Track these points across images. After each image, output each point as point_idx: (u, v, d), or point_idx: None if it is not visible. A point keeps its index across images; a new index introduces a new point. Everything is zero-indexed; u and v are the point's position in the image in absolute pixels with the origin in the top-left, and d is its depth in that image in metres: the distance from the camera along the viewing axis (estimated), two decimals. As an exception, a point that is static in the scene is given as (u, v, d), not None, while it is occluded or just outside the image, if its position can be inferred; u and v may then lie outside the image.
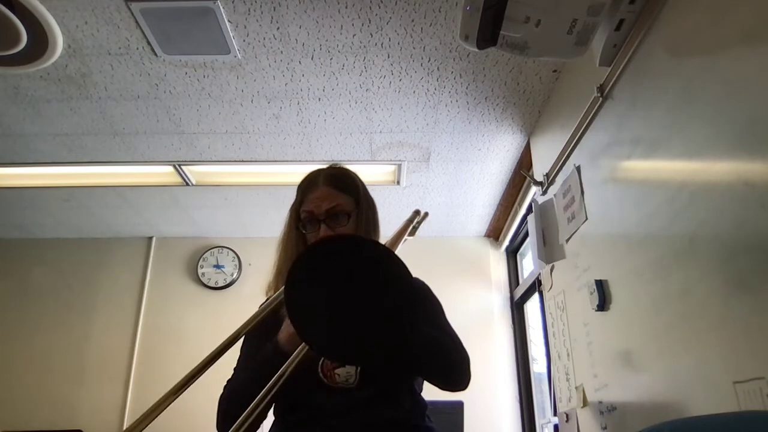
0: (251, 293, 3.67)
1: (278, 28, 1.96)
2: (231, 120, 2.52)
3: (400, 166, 2.95)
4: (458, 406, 2.33)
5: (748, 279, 1.06)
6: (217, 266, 3.83)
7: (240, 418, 0.74)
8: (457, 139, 2.70)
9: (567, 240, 2.05)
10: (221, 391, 1.11)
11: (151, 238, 3.94)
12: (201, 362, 0.69)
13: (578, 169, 1.96)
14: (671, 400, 1.34)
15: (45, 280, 3.82)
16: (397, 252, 0.96)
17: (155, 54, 2.08)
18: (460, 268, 3.78)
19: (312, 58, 2.12)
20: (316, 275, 0.72)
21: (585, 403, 1.89)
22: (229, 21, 1.92)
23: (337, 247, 0.74)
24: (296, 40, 2.02)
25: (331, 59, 2.13)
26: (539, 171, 2.44)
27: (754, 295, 1.04)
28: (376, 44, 2.05)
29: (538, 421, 3.29)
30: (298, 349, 0.90)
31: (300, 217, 1.18)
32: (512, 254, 3.83)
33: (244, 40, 2.02)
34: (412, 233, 1.26)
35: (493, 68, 2.18)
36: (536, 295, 3.02)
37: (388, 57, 2.12)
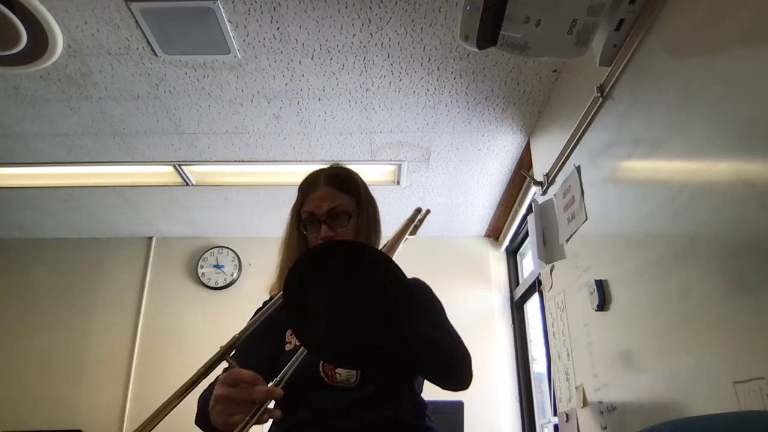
0: (251, 293, 3.68)
1: (278, 28, 1.96)
2: (231, 120, 2.52)
3: (400, 166, 2.95)
4: (458, 406, 2.33)
5: (748, 279, 1.06)
6: (217, 266, 3.83)
7: (237, 428, 0.73)
8: (457, 139, 2.70)
9: (567, 240, 2.05)
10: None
11: (151, 238, 3.94)
12: (203, 366, 0.69)
13: (578, 169, 1.96)
14: (671, 400, 1.34)
15: (45, 280, 3.82)
16: (398, 250, 0.96)
17: (155, 54, 2.08)
18: (460, 268, 3.78)
19: (312, 58, 2.12)
20: (313, 280, 0.72)
21: (585, 403, 1.89)
22: (229, 21, 1.92)
23: (337, 252, 0.74)
24: (296, 40, 2.02)
25: (331, 59, 2.13)
26: (539, 171, 2.44)
27: (754, 295, 1.04)
28: (376, 44, 2.05)
29: (538, 421, 3.29)
30: (298, 353, 0.90)
31: (301, 218, 1.18)
32: (512, 254, 3.83)
33: (244, 40, 2.02)
34: (413, 232, 1.26)
35: (493, 68, 2.18)
36: (536, 295, 3.02)
37: (388, 57, 2.12)
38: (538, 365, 3.41)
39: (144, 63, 2.14)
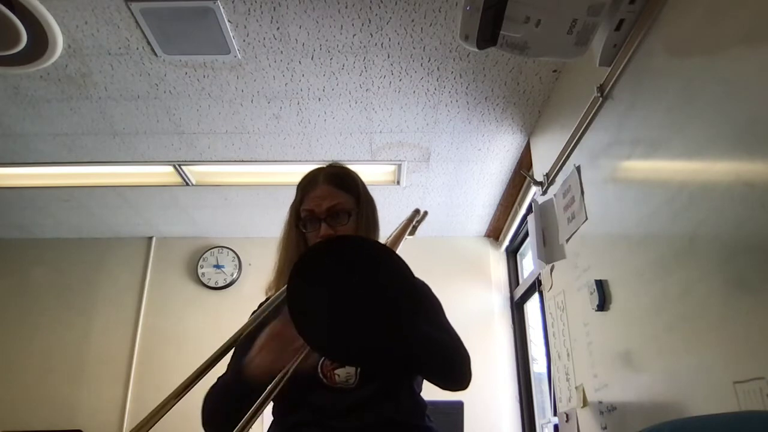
0: (251, 293, 3.67)
1: (278, 28, 1.96)
2: (231, 120, 2.52)
3: (400, 166, 2.95)
4: (458, 406, 2.33)
5: (748, 279, 1.06)
6: (217, 266, 3.83)
7: (237, 427, 0.73)
8: (457, 139, 2.70)
9: (567, 240, 2.05)
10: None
11: (151, 238, 3.94)
12: (202, 365, 0.69)
13: (578, 169, 1.96)
14: (671, 400, 1.34)
15: (45, 280, 3.82)
16: (397, 251, 0.96)
17: (155, 54, 2.08)
18: (460, 268, 3.78)
19: (312, 58, 2.12)
20: (317, 276, 0.71)
21: (585, 403, 1.89)
22: (229, 21, 1.92)
23: (339, 248, 0.74)
24: (296, 40, 2.02)
25: (331, 59, 2.13)
26: (539, 171, 2.44)
27: (754, 295, 1.04)
28: (376, 44, 2.05)
29: (538, 421, 3.29)
30: (299, 353, 0.90)
31: (300, 216, 1.18)
32: (512, 254, 3.83)
33: (244, 40, 2.02)
34: (412, 232, 1.26)
35: (493, 68, 2.18)
36: (536, 295, 3.02)
37: (388, 57, 2.12)
38: (538, 365, 3.41)
39: (144, 63, 2.14)
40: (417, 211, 1.31)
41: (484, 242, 3.91)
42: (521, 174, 2.83)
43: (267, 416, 1.15)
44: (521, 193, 3.12)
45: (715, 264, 1.16)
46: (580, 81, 1.97)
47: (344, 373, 1.08)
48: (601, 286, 1.74)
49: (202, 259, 3.85)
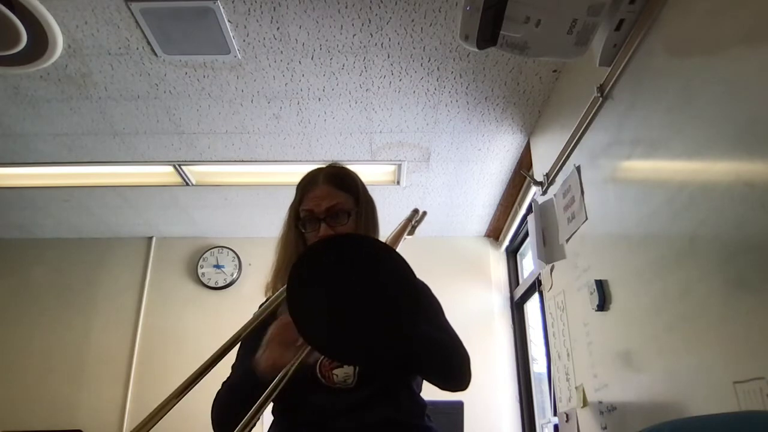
0: (251, 293, 3.67)
1: (278, 28, 1.96)
2: (231, 120, 2.52)
3: (400, 166, 2.95)
4: (458, 406, 2.33)
5: (748, 279, 1.06)
6: (217, 266, 3.83)
7: (239, 427, 0.73)
8: (457, 139, 2.70)
9: (567, 240, 2.05)
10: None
11: (151, 238, 3.94)
12: (202, 365, 0.69)
13: (578, 169, 1.96)
14: (671, 400, 1.34)
15: (45, 279, 3.82)
16: (398, 249, 0.96)
17: (155, 54, 2.08)
18: (460, 268, 3.78)
19: (312, 58, 2.12)
20: (318, 275, 0.71)
21: (585, 403, 1.89)
22: (229, 21, 1.92)
23: (340, 246, 0.74)
24: (296, 40, 2.02)
25: (331, 59, 2.13)
26: (539, 171, 2.44)
27: (754, 295, 1.04)
28: (376, 44, 2.05)
29: (538, 421, 3.29)
30: (300, 352, 0.90)
31: (299, 216, 1.18)
32: (512, 254, 3.83)
33: (244, 40, 2.02)
34: (411, 232, 1.26)
35: (493, 68, 2.18)
36: (536, 295, 3.02)
37: (388, 57, 2.12)
38: (538, 365, 3.41)
39: (144, 63, 2.14)
40: (416, 211, 1.31)
41: (484, 242, 3.91)
42: (521, 174, 2.83)
43: (267, 417, 1.15)
44: (521, 193, 3.12)
45: (715, 264, 1.16)
46: (580, 81, 1.97)
47: (342, 374, 1.08)
48: (601, 286, 1.74)
49: (202, 259, 3.85)
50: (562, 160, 2.13)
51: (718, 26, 1.18)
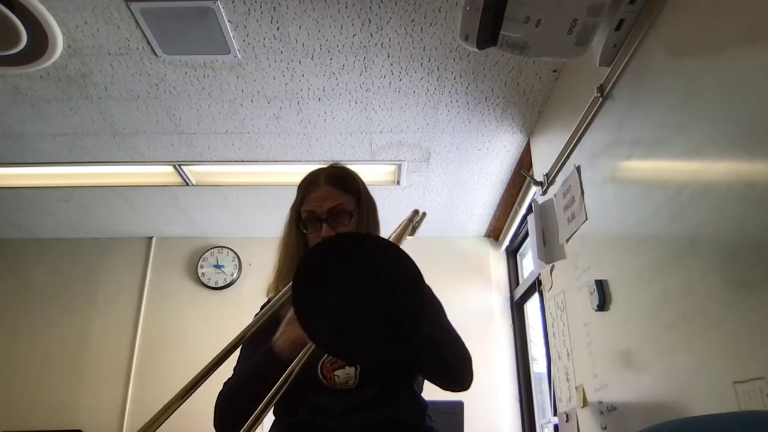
0: (251, 293, 3.67)
1: (278, 28, 1.96)
2: (231, 120, 2.52)
3: (400, 166, 2.95)
4: (458, 406, 2.33)
5: (748, 279, 1.06)
6: (217, 266, 3.83)
7: (245, 426, 0.73)
8: (457, 139, 2.70)
9: (567, 240, 2.05)
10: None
11: (151, 238, 3.94)
12: (206, 366, 0.69)
13: (578, 169, 1.96)
14: (671, 400, 1.34)
15: (45, 280, 3.82)
16: None
17: (155, 54, 2.08)
18: (460, 268, 3.78)
19: (312, 58, 2.12)
20: (321, 275, 0.71)
21: (585, 403, 1.89)
22: (229, 21, 1.92)
23: (344, 245, 0.74)
24: (296, 40, 2.02)
25: (331, 59, 2.13)
26: (539, 171, 2.44)
27: (754, 295, 1.04)
28: (376, 44, 2.05)
29: (538, 421, 3.29)
30: (303, 350, 0.90)
31: (301, 217, 1.18)
32: (512, 254, 3.83)
33: (244, 40, 2.02)
34: (411, 233, 1.26)
35: (493, 68, 2.18)
36: (536, 295, 3.02)
37: (388, 57, 2.12)
38: (538, 365, 3.41)
39: (144, 63, 2.14)
40: (416, 212, 1.31)
41: (484, 242, 3.91)
42: (521, 174, 2.83)
43: (267, 417, 1.15)
44: (521, 193, 3.12)
45: (715, 264, 1.16)
46: (580, 81, 1.97)
47: (344, 374, 1.08)
48: (601, 286, 1.74)
49: (202, 259, 3.85)
50: (562, 160, 2.13)
51: (719, 26, 1.18)
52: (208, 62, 2.14)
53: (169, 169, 2.97)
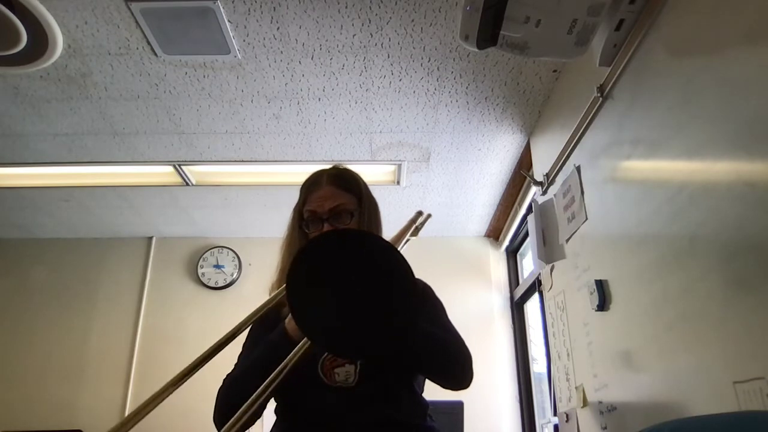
0: (251, 293, 3.67)
1: (278, 28, 1.96)
2: (231, 120, 2.52)
3: (400, 166, 2.95)
4: (458, 406, 2.33)
5: (748, 279, 1.06)
6: (217, 266, 3.83)
7: (240, 410, 0.75)
8: (457, 139, 2.70)
9: (567, 240, 2.05)
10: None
11: (151, 238, 3.94)
12: (203, 354, 0.70)
13: (578, 169, 1.96)
14: (671, 400, 1.34)
15: (45, 279, 3.82)
16: (401, 248, 0.97)
17: (155, 54, 2.08)
18: (460, 268, 3.78)
19: (312, 58, 2.12)
20: (317, 270, 0.73)
21: (585, 403, 1.89)
22: (229, 21, 1.92)
23: (336, 241, 0.75)
24: (296, 40, 2.02)
25: (331, 59, 2.13)
26: (539, 171, 2.44)
27: (754, 295, 1.04)
28: (376, 44, 2.05)
29: (538, 421, 3.29)
30: (303, 341, 0.91)
31: (303, 217, 1.19)
32: (512, 254, 3.83)
33: (244, 40, 2.02)
34: (414, 233, 1.27)
35: (493, 68, 2.18)
36: (536, 295, 3.02)
37: (388, 57, 2.12)
38: (538, 365, 3.41)
39: (144, 63, 2.14)
40: (420, 213, 1.33)
41: (484, 242, 3.91)
42: (521, 174, 2.83)
43: (267, 417, 1.15)
44: (521, 193, 3.12)
45: (715, 264, 1.16)
46: (580, 81, 1.97)
47: (343, 372, 1.08)
48: (601, 286, 1.74)
49: (202, 259, 3.85)
50: (562, 160, 2.13)
51: (719, 26, 1.18)
52: (208, 62, 2.14)
53: (169, 169, 2.97)
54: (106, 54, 2.09)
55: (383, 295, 0.71)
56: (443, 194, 3.29)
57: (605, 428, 1.71)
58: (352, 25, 1.95)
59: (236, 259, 3.84)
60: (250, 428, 1.13)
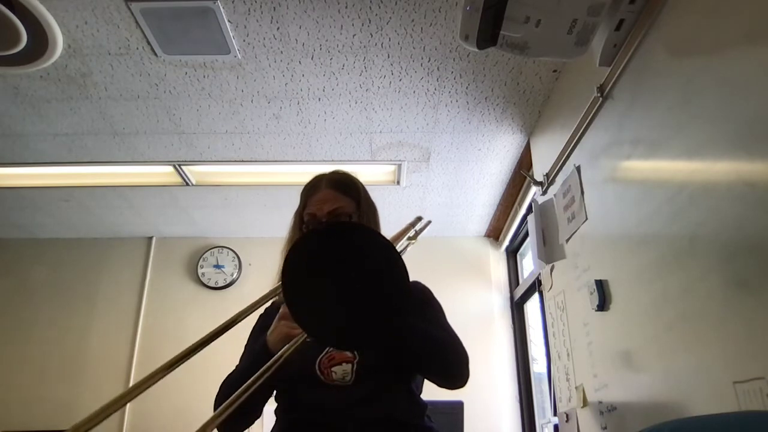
0: (251, 293, 3.67)
1: (278, 28, 1.96)
2: (231, 120, 2.52)
3: (400, 166, 2.95)
4: (458, 406, 2.32)
5: (748, 279, 1.06)
6: (217, 266, 3.83)
7: (230, 398, 0.76)
8: (457, 139, 2.70)
9: (567, 240, 2.05)
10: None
11: (151, 238, 3.94)
12: (197, 342, 0.71)
13: (578, 169, 1.96)
14: (671, 400, 1.34)
15: (45, 279, 3.82)
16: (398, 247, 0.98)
17: (155, 54, 2.08)
18: (460, 268, 3.78)
19: (312, 58, 2.12)
20: (312, 262, 0.75)
21: (585, 403, 1.89)
22: (229, 21, 1.92)
23: (330, 233, 0.77)
24: (296, 40, 2.02)
25: (331, 59, 2.13)
26: (539, 171, 2.44)
27: (754, 295, 1.04)
28: (376, 44, 2.05)
29: (538, 421, 3.29)
30: (296, 338, 0.93)
31: (303, 220, 1.22)
32: (512, 254, 3.83)
33: (244, 40, 2.02)
34: (413, 237, 1.29)
35: (493, 68, 2.18)
36: (536, 295, 3.02)
37: (388, 57, 2.12)
38: (538, 365, 3.41)
39: (144, 63, 2.14)
40: (419, 218, 1.36)
41: (484, 242, 3.91)
42: (521, 174, 2.83)
43: (268, 417, 1.16)
44: (521, 193, 3.12)
45: (715, 264, 1.16)
46: (580, 81, 1.97)
47: (341, 371, 1.10)
48: (601, 286, 1.74)
49: (202, 259, 3.85)
50: (562, 160, 2.13)
51: (718, 26, 1.18)
52: (208, 62, 2.14)
53: (169, 169, 2.97)
54: (106, 54, 2.09)
55: (370, 284, 0.74)
56: (443, 194, 3.29)
57: (605, 428, 1.71)
58: (352, 25, 1.95)
59: (236, 259, 3.84)
60: (249, 428, 1.14)
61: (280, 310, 1.08)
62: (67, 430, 0.49)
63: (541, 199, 2.36)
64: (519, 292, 3.58)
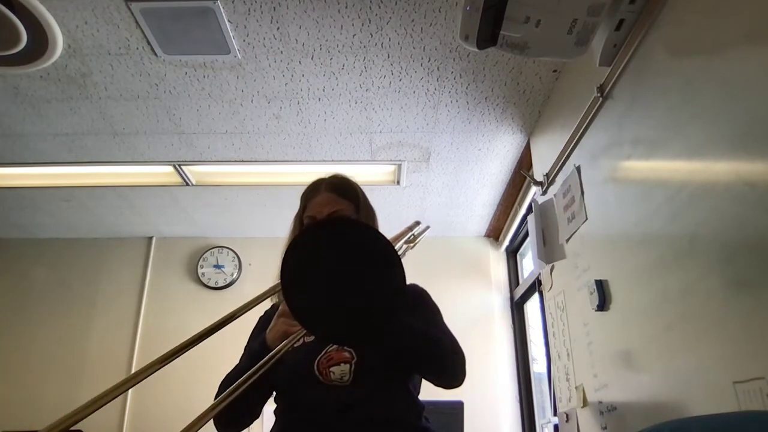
0: (251, 293, 3.64)
1: (278, 28, 1.96)
2: (231, 120, 2.52)
3: (400, 166, 2.95)
4: (458, 406, 2.33)
5: (748, 279, 1.06)
6: (217, 266, 3.83)
7: (227, 390, 0.77)
8: (457, 139, 2.70)
9: (567, 240, 2.05)
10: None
11: (151, 238, 3.94)
12: (195, 335, 0.72)
13: (578, 169, 1.96)
14: (671, 400, 1.34)
15: (45, 279, 3.82)
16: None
17: (155, 54, 2.08)
18: (460, 268, 3.78)
19: (312, 58, 2.12)
20: (310, 259, 0.76)
21: (585, 403, 1.89)
22: (229, 21, 1.92)
23: (328, 228, 0.78)
24: (296, 40, 2.02)
25: (331, 59, 2.13)
26: (539, 171, 2.44)
27: (754, 295, 1.04)
28: (376, 44, 2.05)
29: (538, 421, 3.29)
30: (293, 335, 0.95)
31: (303, 223, 1.24)
32: (512, 254, 3.83)
33: (244, 40, 2.02)
34: (410, 240, 1.31)
35: (493, 68, 2.18)
36: (536, 295, 3.02)
37: (388, 57, 2.12)
38: (538, 365, 3.41)
39: (144, 63, 2.14)
40: (417, 223, 1.38)
41: (484, 242, 3.91)
42: (521, 174, 2.83)
43: (268, 417, 1.16)
44: (521, 193, 3.12)
45: (715, 264, 1.16)
46: (580, 81, 1.97)
47: (339, 371, 1.10)
48: (601, 286, 1.74)
49: (202, 259, 3.85)
50: (562, 160, 2.13)
51: (718, 26, 1.18)
52: (208, 62, 2.14)
53: (169, 169, 2.97)
54: (106, 54, 2.09)
55: (375, 282, 0.75)
56: (443, 194, 3.29)
57: (605, 428, 1.71)
58: (352, 25, 1.95)
59: (236, 259, 3.84)
60: (249, 428, 1.15)
61: (279, 308, 1.10)
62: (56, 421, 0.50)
63: (541, 199, 2.36)
64: (519, 292, 3.58)
